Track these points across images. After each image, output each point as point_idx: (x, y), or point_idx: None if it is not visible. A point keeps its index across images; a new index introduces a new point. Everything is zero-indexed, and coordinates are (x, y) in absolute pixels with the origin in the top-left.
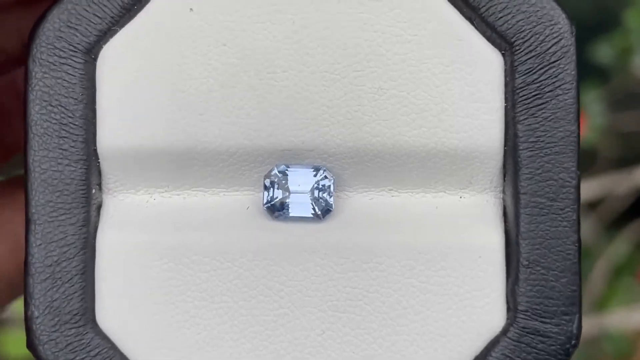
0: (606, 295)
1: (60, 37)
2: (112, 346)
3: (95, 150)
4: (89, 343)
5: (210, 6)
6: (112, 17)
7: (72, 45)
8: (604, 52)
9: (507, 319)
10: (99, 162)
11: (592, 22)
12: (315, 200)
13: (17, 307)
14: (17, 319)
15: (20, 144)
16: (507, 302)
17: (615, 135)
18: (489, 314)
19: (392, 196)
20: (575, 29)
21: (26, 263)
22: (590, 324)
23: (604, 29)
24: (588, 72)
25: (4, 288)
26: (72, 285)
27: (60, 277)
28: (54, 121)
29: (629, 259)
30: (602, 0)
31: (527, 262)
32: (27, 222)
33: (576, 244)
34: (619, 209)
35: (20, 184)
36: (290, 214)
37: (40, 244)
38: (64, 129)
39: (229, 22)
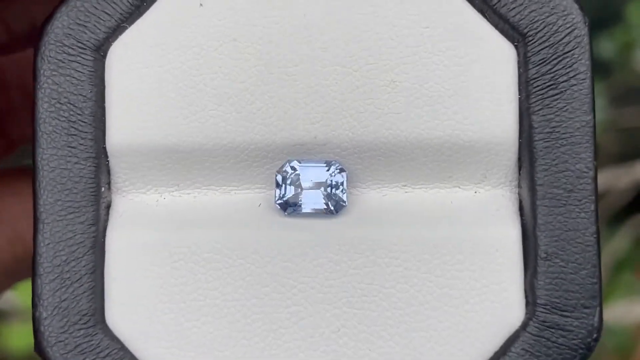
0: (607, 290)
1: (69, 34)
2: (122, 347)
3: (105, 148)
4: (98, 344)
5: (220, 1)
6: (121, 14)
7: (81, 43)
8: (605, 47)
9: (527, 313)
10: (108, 161)
11: (593, 17)
12: (328, 196)
13: (18, 300)
14: (19, 312)
15: (24, 137)
16: (526, 296)
17: (617, 131)
18: (508, 309)
19: (406, 192)
20: (588, 19)
21: (34, 263)
22: None
23: (605, 24)
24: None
25: (0, 277)
26: (81, 285)
27: (69, 277)
28: (62, 119)
29: (629, 254)
30: None
31: (545, 255)
32: (35, 221)
33: (595, 235)
34: (619, 204)
35: (18, 175)
36: (303, 210)
37: (48, 244)
38: (72, 127)
39: (239, 16)
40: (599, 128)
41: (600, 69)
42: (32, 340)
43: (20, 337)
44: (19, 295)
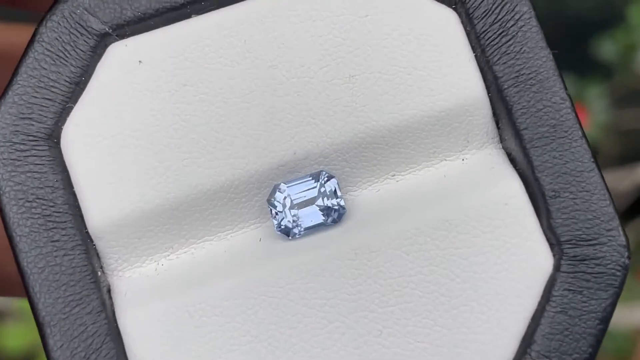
0: None
1: (16, 131)
2: None
3: (88, 232)
4: None
5: (159, 53)
6: (63, 96)
7: (31, 136)
8: (607, 48)
9: (555, 254)
10: (94, 245)
11: (595, 18)
12: (326, 207)
13: (14, 300)
14: (14, 313)
15: None
16: (548, 239)
17: (618, 133)
18: (536, 256)
19: (398, 181)
20: None
21: None
22: None
23: (607, 25)
24: (591, 68)
25: None
26: None
27: None
28: (36, 216)
29: None
30: None
31: (553, 193)
32: (40, 327)
33: (592, 160)
34: (620, 206)
35: None
36: (305, 229)
37: (61, 345)
38: (49, 221)
39: (182, 62)
40: (600, 130)
41: (602, 70)
42: (28, 341)
43: (16, 337)
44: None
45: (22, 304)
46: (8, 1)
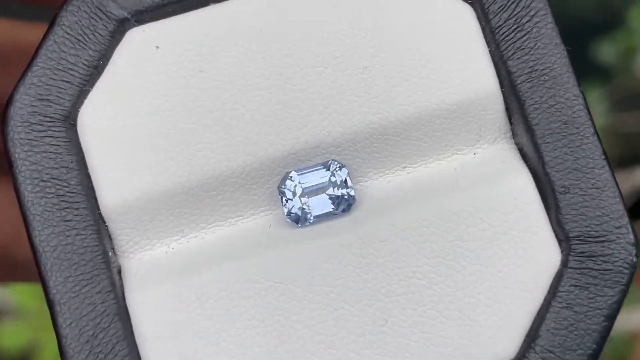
0: None
1: (34, 112)
2: None
3: (100, 213)
4: None
5: (176, 39)
6: (80, 79)
7: (49, 117)
8: (607, 51)
9: (562, 250)
10: (107, 226)
11: (595, 21)
12: (335, 196)
13: (11, 298)
14: (12, 311)
15: None
16: (557, 234)
17: (617, 136)
18: (544, 251)
19: (408, 173)
20: None
21: (61, 346)
22: None
23: (607, 28)
24: (591, 71)
25: None
26: (116, 355)
27: (101, 350)
28: (50, 195)
29: None
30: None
31: (562, 189)
32: (50, 305)
33: (603, 157)
34: None
35: None
36: (315, 217)
37: (70, 323)
38: (63, 201)
39: (198, 48)
40: (599, 133)
41: (601, 73)
42: (25, 339)
43: (13, 336)
44: (13, 294)
45: (21, 303)
46: None
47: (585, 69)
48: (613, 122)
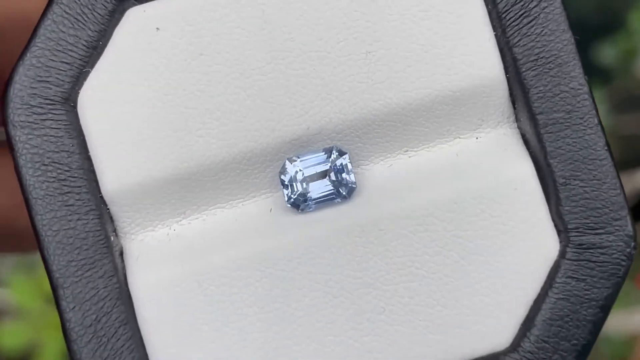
0: None
1: (34, 94)
2: None
3: (102, 197)
4: None
5: (176, 20)
6: (80, 60)
7: (49, 99)
8: (607, 53)
9: (561, 241)
10: (108, 209)
11: (595, 23)
12: (336, 182)
13: (11, 298)
14: (11, 310)
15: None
16: (556, 225)
17: (617, 138)
18: (542, 242)
19: (410, 157)
20: None
21: (64, 330)
22: None
23: (607, 31)
24: (591, 73)
25: None
26: (119, 339)
27: (104, 334)
28: (51, 179)
29: None
30: (606, 1)
31: (563, 180)
32: (54, 289)
33: (606, 148)
34: None
35: None
36: (315, 203)
37: (73, 307)
38: (64, 185)
39: (199, 30)
40: None
41: (601, 75)
42: (25, 339)
43: (13, 336)
44: (13, 294)
45: (21, 303)
46: None
47: (586, 71)
48: (613, 124)
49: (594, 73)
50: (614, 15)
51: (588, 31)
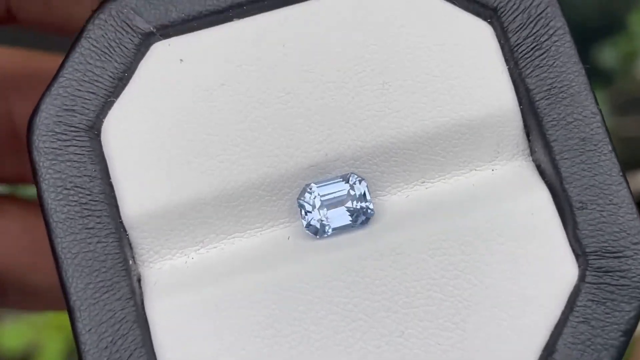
0: None
1: (59, 122)
2: None
3: (122, 222)
4: None
5: (200, 53)
6: (106, 90)
7: (73, 127)
8: (608, 55)
9: (580, 265)
10: (127, 234)
11: (596, 25)
12: (354, 209)
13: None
14: (12, 311)
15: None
16: (574, 250)
17: (618, 140)
18: (560, 267)
19: (427, 188)
20: None
21: (80, 352)
22: None
23: (608, 32)
24: (592, 75)
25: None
26: None
27: (119, 357)
28: (73, 203)
29: None
30: (607, 3)
31: (580, 205)
32: (70, 311)
33: (620, 174)
34: None
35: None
36: (333, 230)
37: (90, 329)
38: (85, 209)
39: (221, 62)
40: None
41: (602, 77)
42: (26, 340)
43: (14, 337)
44: None
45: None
46: (40, 25)
47: (586, 73)
48: (614, 126)
49: (595, 75)
50: (615, 17)
51: (589, 33)
